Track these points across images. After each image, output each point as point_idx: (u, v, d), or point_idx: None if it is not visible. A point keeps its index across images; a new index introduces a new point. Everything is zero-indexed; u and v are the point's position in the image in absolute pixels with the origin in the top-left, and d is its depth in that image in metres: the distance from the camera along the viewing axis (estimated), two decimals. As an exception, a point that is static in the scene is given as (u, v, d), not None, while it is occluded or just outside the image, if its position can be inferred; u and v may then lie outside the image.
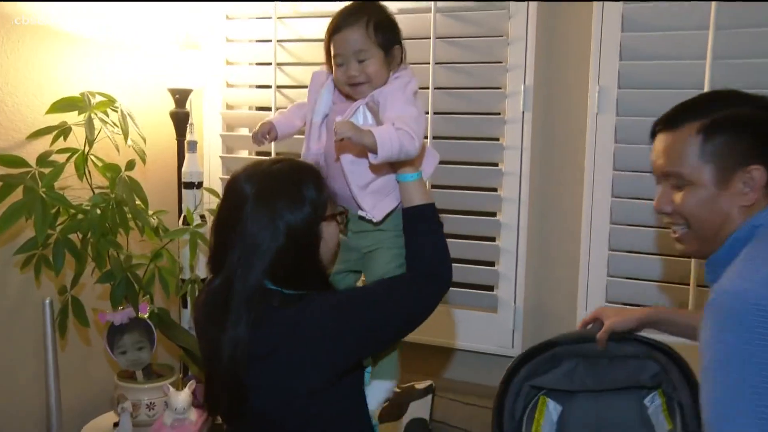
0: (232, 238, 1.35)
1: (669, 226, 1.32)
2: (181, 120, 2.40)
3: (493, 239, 2.25)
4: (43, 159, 1.90)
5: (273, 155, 2.44)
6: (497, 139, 2.22)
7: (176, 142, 2.42)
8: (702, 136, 1.22)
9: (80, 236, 1.95)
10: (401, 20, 2.24)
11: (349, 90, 1.48)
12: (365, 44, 1.44)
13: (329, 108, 1.54)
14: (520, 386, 1.56)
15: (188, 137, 2.35)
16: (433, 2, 2.19)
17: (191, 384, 2.02)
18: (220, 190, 2.34)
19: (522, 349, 2.21)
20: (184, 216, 2.18)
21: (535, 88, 2.14)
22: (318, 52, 2.40)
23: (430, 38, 2.20)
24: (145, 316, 2.11)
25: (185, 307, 2.34)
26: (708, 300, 1.10)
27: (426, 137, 2.17)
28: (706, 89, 1.91)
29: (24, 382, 2.10)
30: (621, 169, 2.06)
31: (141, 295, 2.09)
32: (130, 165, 2.02)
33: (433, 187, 2.24)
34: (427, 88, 2.21)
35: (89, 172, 2.00)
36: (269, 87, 2.46)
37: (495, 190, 2.24)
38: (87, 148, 1.97)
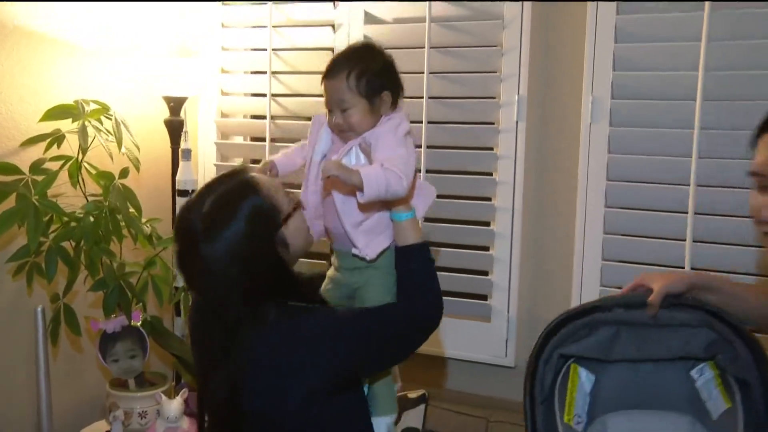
0: (195, 279, 1.40)
1: None
2: (175, 128, 2.40)
3: (486, 248, 2.25)
4: (36, 166, 1.89)
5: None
6: (491, 149, 2.22)
7: (171, 150, 2.42)
8: None
9: (73, 244, 1.95)
10: (396, 30, 2.29)
11: (337, 135, 1.54)
12: (346, 95, 1.48)
13: (329, 148, 1.58)
14: (550, 353, 1.40)
15: (183, 145, 2.35)
16: (427, 12, 2.19)
17: (184, 392, 2.01)
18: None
19: (515, 359, 2.22)
20: (178, 224, 2.18)
21: (529, 97, 2.15)
22: (312, 61, 2.42)
23: (424, 48, 2.21)
24: (138, 324, 2.11)
25: (178, 315, 2.34)
26: None
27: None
28: (698, 100, 1.92)
29: (15, 390, 2.09)
30: (614, 179, 2.07)
31: (134, 303, 2.08)
32: (124, 173, 2.02)
33: (427, 196, 2.23)
34: (422, 97, 2.22)
35: (83, 179, 2.00)
36: (264, 95, 2.46)
37: (489, 199, 2.24)
38: (80, 156, 1.96)
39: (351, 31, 2.35)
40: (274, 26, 2.44)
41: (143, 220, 2.07)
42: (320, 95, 2.23)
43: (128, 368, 2.10)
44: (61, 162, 1.95)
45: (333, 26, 2.38)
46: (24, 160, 1.97)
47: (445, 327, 2.24)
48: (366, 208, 1.46)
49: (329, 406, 1.37)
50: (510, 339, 2.22)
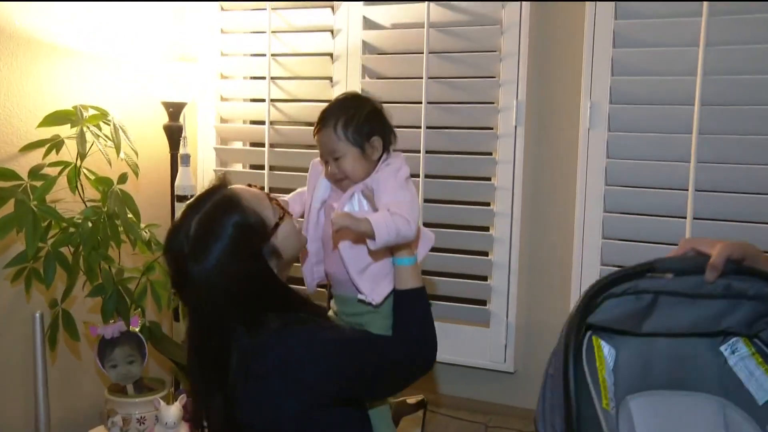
0: (189, 299, 1.42)
1: None
2: (174, 133, 2.40)
3: (485, 254, 2.25)
4: (35, 172, 1.89)
5: (267, 166, 2.44)
6: (490, 154, 2.23)
7: (170, 155, 2.42)
8: None
9: (72, 249, 1.94)
10: (394, 35, 2.30)
11: (335, 185, 1.57)
12: (336, 145, 1.52)
13: (327, 194, 1.61)
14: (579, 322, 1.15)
15: (182, 150, 2.36)
16: (426, 17, 2.20)
17: (182, 398, 2.01)
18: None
19: (514, 365, 2.22)
20: (177, 229, 2.17)
21: (528, 103, 2.15)
22: (311, 67, 2.43)
23: (423, 53, 2.21)
24: (137, 329, 2.11)
25: (177, 320, 2.33)
26: None
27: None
28: (696, 105, 1.92)
29: (13, 396, 2.09)
30: (613, 184, 2.07)
31: (132, 309, 2.08)
32: (123, 178, 2.02)
33: (426, 201, 2.24)
34: (420, 102, 2.22)
35: (81, 185, 2.00)
36: (263, 101, 2.47)
37: (488, 204, 2.24)
38: (79, 162, 1.96)
39: (350, 36, 2.35)
40: (273, 32, 2.45)
41: (142, 225, 2.07)
42: (319, 101, 2.24)
43: (127, 374, 2.09)
44: (59, 167, 1.95)
45: (332, 32, 2.38)
46: (23, 165, 1.97)
47: (444, 332, 2.23)
48: (376, 254, 1.49)
49: (325, 419, 1.38)
50: (509, 344, 2.22)
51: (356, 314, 1.57)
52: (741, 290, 1.13)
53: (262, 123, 2.48)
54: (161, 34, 2.44)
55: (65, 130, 1.99)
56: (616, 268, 2.05)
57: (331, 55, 2.39)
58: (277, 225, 1.43)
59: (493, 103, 2.20)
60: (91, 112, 2.02)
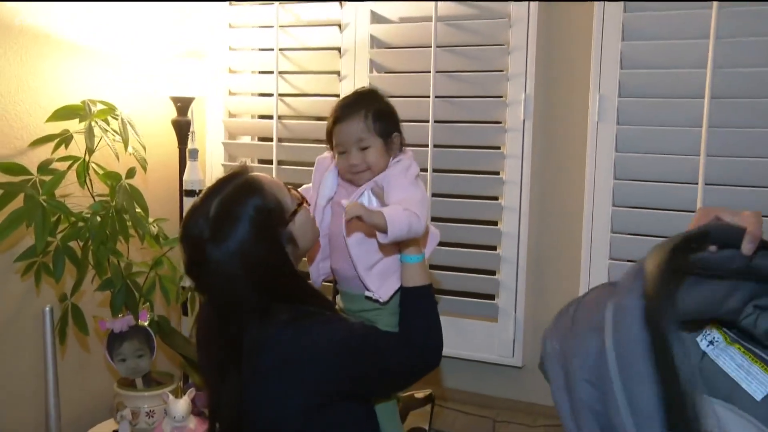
0: (205, 283, 1.41)
1: None
2: (182, 128, 2.40)
3: (494, 248, 2.24)
4: (44, 167, 1.90)
5: (275, 161, 2.45)
6: (498, 148, 2.22)
7: (178, 150, 2.43)
8: None
9: (80, 244, 1.95)
10: (402, 29, 2.29)
11: (350, 177, 1.55)
12: (365, 134, 1.51)
13: (334, 191, 1.61)
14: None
15: (190, 145, 2.36)
16: (434, 11, 2.19)
17: (191, 392, 2.01)
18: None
19: (522, 359, 2.21)
20: (185, 224, 2.18)
21: (536, 96, 2.14)
22: (319, 61, 2.43)
23: (431, 47, 2.20)
24: (145, 323, 2.12)
25: (185, 314, 2.34)
26: None
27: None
28: (706, 98, 1.91)
29: (23, 390, 2.10)
30: (621, 178, 2.06)
31: (141, 303, 2.09)
32: (131, 173, 2.02)
33: (434, 195, 2.24)
34: (428, 96, 2.22)
35: (90, 179, 2.01)
36: (271, 95, 2.47)
37: (496, 198, 2.23)
38: (88, 156, 1.97)
39: (358, 30, 2.35)
40: (281, 26, 2.44)
41: (150, 219, 2.08)
42: (327, 95, 2.23)
43: (135, 368, 2.10)
44: (68, 162, 1.96)
45: (340, 26, 2.38)
46: (32, 160, 1.98)
47: (452, 327, 2.24)
48: (386, 248, 1.49)
49: (330, 415, 1.38)
50: (517, 339, 2.22)
51: (363, 311, 1.58)
52: (760, 267, 0.99)
53: (270, 117, 2.48)
54: (169, 29, 2.45)
55: (74, 125, 2.00)
56: (625, 263, 2.06)
57: (339, 49, 2.39)
58: (295, 212, 1.43)
59: (501, 97, 2.19)
60: (99, 107, 2.03)
